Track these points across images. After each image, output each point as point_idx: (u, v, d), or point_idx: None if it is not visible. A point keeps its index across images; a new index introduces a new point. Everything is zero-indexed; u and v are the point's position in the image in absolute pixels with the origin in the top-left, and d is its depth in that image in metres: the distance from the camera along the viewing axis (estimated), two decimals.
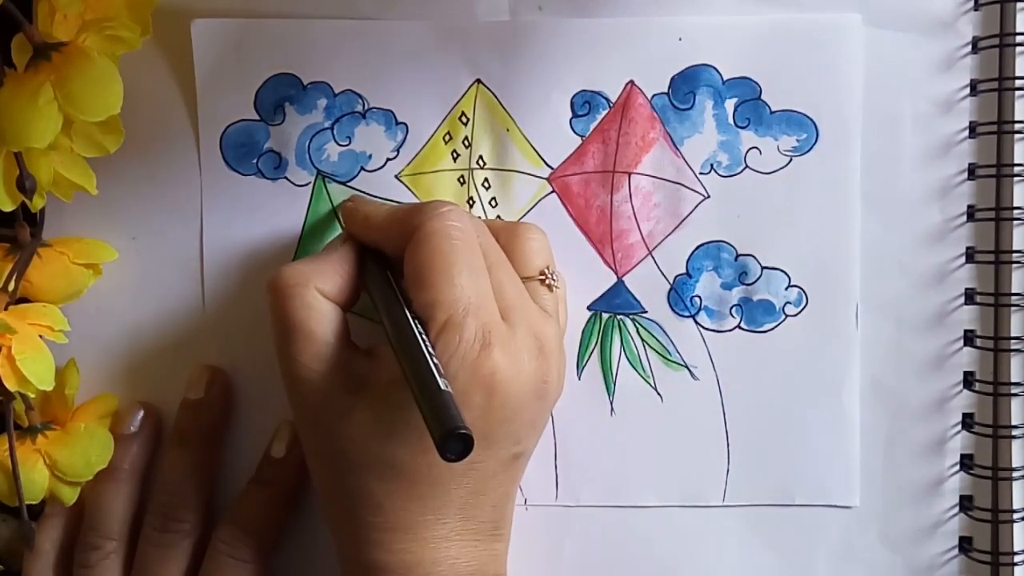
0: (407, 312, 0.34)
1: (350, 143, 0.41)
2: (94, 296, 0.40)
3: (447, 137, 0.41)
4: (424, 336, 0.33)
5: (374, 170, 0.41)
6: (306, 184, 0.41)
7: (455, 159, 0.41)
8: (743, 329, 0.41)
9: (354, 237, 0.38)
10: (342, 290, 0.36)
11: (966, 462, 0.41)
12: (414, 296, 0.34)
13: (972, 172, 0.41)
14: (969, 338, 0.41)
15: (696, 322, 0.41)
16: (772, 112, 0.41)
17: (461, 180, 0.41)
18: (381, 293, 0.35)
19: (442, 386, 0.30)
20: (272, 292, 0.36)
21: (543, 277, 0.38)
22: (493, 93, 0.41)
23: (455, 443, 0.28)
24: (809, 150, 0.41)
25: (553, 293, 0.38)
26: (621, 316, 0.41)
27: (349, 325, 0.36)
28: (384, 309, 0.34)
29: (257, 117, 0.41)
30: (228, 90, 0.40)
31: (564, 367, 0.37)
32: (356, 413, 0.34)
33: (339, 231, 0.41)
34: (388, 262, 0.37)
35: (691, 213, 0.41)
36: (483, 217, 0.41)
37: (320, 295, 0.35)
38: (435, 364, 0.31)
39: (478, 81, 0.41)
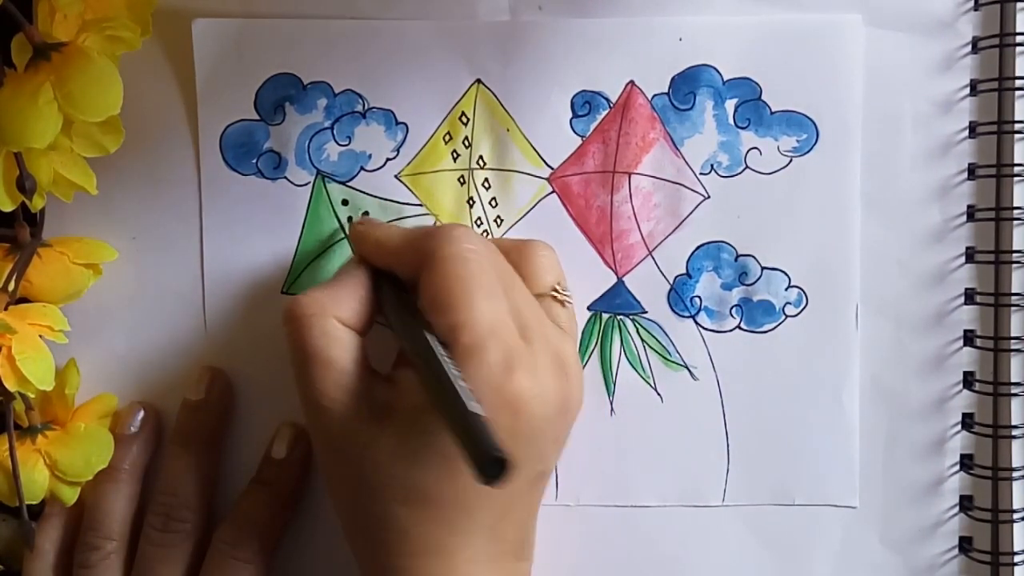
0: (430, 337, 0.33)
1: (350, 143, 0.41)
2: (94, 296, 0.40)
3: (447, 137, 0.41)
4: (450, 361, 0.32)
5: (374, 170, 0.41)
6: (306, 184, 0.41)
7: (455, 159, 0.41)
8: (743, 329, 0.41)
9: (366, 261, 0.37)
10: (359, 316, 0.36)
11: (966, 462, 0.41)
12: (433, 320, 0.34)
13: (972, 172, 0.41)
14: (969, 338, 0.41)
15: (696, 322, 0.41)
16: (772, 112, 0.41)
17: (461, 180, 0.41)
18: (401, 318, 0.35)
19: (475, 410, 0.30)
20: (289, 322, 0.35)
21: (555, 294, 0.38)
22: (493, 93, 0.41)
23: (494, 467, 0.28)
24: (809, 150, 0.41)
25: (566, 308, 0.38)
26: (621, 316, 0.41)
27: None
28: (406, 335, 0.34)
29: (257, 117, 0.40)
30: (228, 90, 0.40)
31: (583, 382, 0.37)
32: (381, 440, 0.33)
33: (337, 234, 0.41)
34: (402, 285, 0.36)
35: (691, 213, 0.41)
36: (489, 235, 0.41)
37: (338, 323, 0.35)
38: (464, 388, 0.31)
39: (478, 81, 0.41)
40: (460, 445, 0.29)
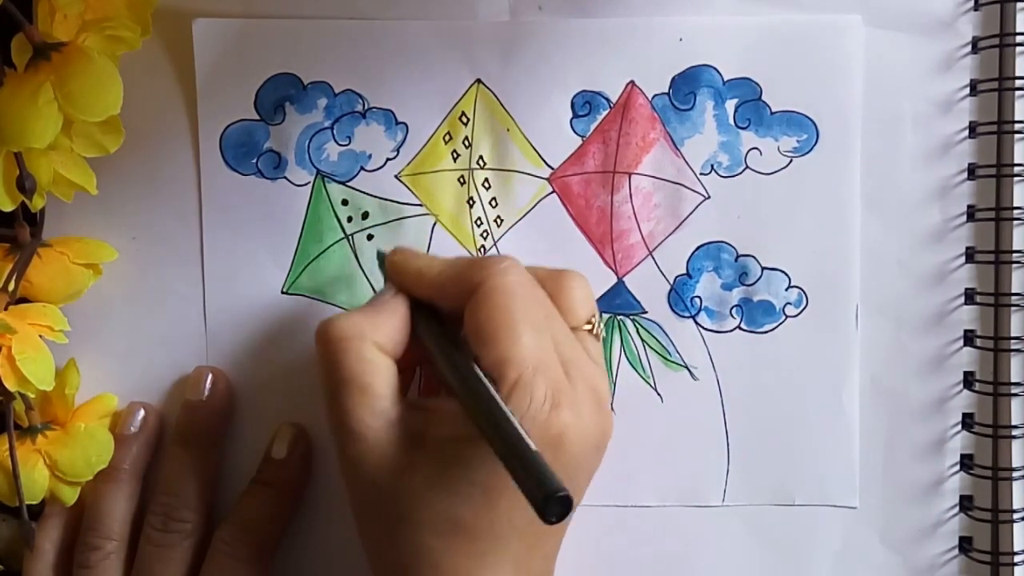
0: (478, 370, 0.33)
1: (350, 143, 0.41)
2: (94, 296, 0.40)
3: (447, 137, 0.41)
4: (500, 395, 0.32)
5: (374, 170, 0.41)
6: (306, 184, 0.41)
7: (455, 159, 0.41)
8: (743, 330, 0.41)
9: (404, 289, 0.37)
10: (396, 344, 0.35)
11: (966, 462, 0.41)
12: (479, 353, 0.33)
13: (972, 172, 0.41)
14: (969, 338, 0.41)
15: (696, 322, 0.41)
16: (772, 113, 0.41)
17: (461, 180, 0.41)
18: (443, 350, 0.34)
19: (533, 447, 0.30)
20: (325, 344, 0.34)
21: (591, 326, 0.37)
22: (493, 93, 0.41)
23: (556, 506, 0.28)
24: (809, 151, 0.41)
25: (599, 342, 0.38)
26: (621, 316, 0.41)
27: None
28: (450, 367, 0.34)
29: (257, 117, 0.40)
30: (228, 90, 0.40)
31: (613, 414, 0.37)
32: (415, 469, 0.33)
33: (337, 234, 0.41)
34: (441, 316, 0.36)
35: (691, 213, 0.41)
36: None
37: (376, 348, 0.35)
38: (519, 425, 0.31)
39: (478, 81, 0.41)
40: (521, 484, 0.29)
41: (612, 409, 0.41)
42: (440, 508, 0.33)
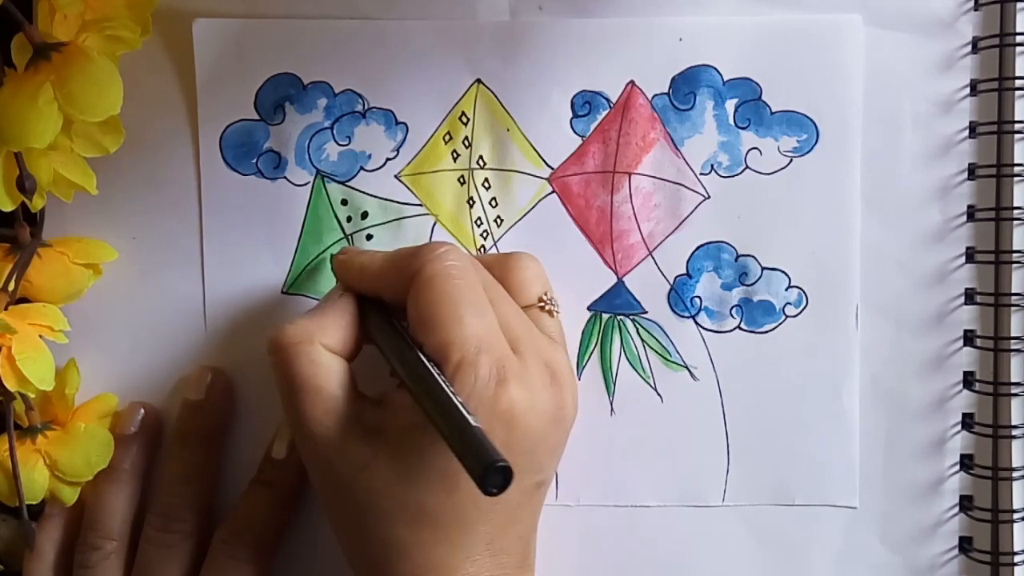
0: (421, 356, 0.33)
1: (350, 143, 0.41)
2: (94, 296, 0.40)
3: (447, 137, 0.41)
4: (443, 377, 0.32)
5: (374, 170, 0.41)
6: (305, 184, 0.41)
7: (455, 159, 0.41)
8: (743, 330, 0.41)
9: (351, 288, 0.38)
10: (346, 342, 0.36)
11: (966, 462, 0.41)
12: (423, 339, 0.34)
13: (972, 172, 0.41)
14: (969, 338, 0.41)
15: (696, 323, 0.41)
16: (772, 113, 0.41)
17: (461, 180, 0.41)
18: (390, 341, 0.35)
19: (472, 422, 0.30)
20: (276, 352, 0.35)
21: (543, 304, 0.38)
22: (493, 93, 0.41)
23: (495, 476, 0.28)
24: (809, 151, 0.41)
25: (554, 318, 0.38)
26: (621, 316, 0.41)
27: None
28: (395, 356, 0.34)
29: (257, 117, 0.40)
30: (228, 90, 0.40)
31: (577, 390, 0.37)
32: (375, 463, 0.34)
33: (337, 234, 0.41)
34: (388, 309, 0.36)
35: (691, 213, 0.41)
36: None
37: (325, 350, 0.35)
38: (460, 403, 0.31)
39: (478, 81, 0.41)
40: (460, 458, 0.29)
41: (613, 410, 0.41)
42: (403, 498, 0.33)
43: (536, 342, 0.36)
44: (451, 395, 0.31)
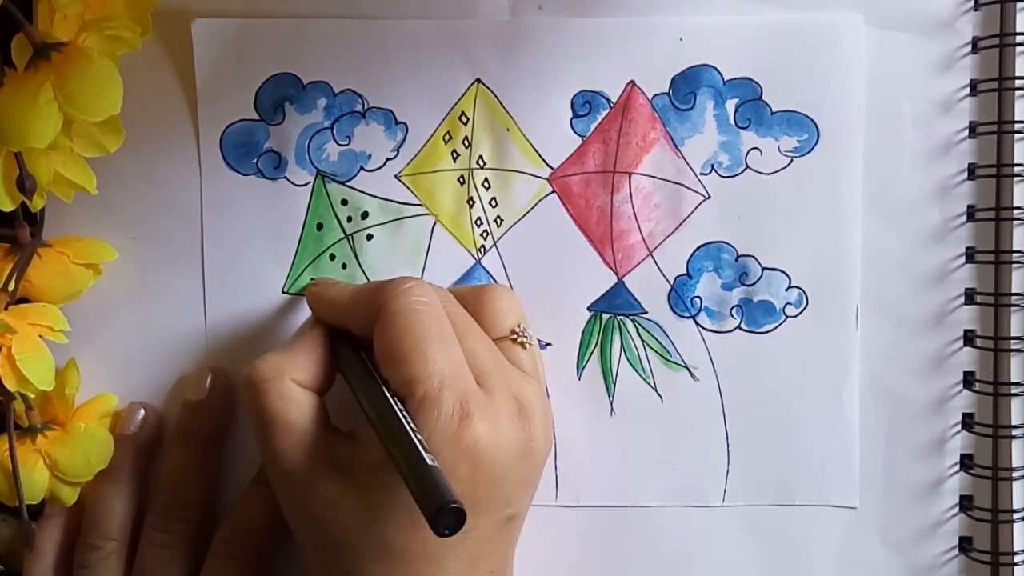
0: (385, 391, 0.33)
1: (350, 143, 0.41)
2: (94, 296, 0.40)
3: (447, 137, 0.41)
4: (405, 413, 0.32)
5: (374, 170, 0.41)
6: (306, 184, 0.41)
7: (455, 159, 0.41)
8: (743, 330, 0.41)
9: (322, 321, 0.38)
10: (316, 377, 0.36)
11: (966, 462, 0.41)
12: (388, 374, 0.34)
13: (972, 172, 0.41)
14: (969, 338, 0.41)
15: (696, 323, 0.41)
16: (773, 112, 0.41)
17: (461, 180, 0.41)
18: (356, 375, 0.35)
19: (429, 461, 0.30)
20: (247, 388, 0.35)
21: (515, 336, 0.38)
22: (493, 93, 0.41)
23: (447, 518, 0.28)
24: (810, 151, 0.41)
25: (528, 350, 0.38)
26: (621, 317, 0.41)
27: (327, 409, 0.36)
28: (361, 391, 0.34)
29: (257, 117, 0.40)
30: (228, 90, 0.40)
31: (551, 423, 0.37)
32: (344, 499, 0.34)
33: (337, 234, 0.41)
34: (359, 342, 0.37)
35: (691, 214, 0.41)
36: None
37: (295, 385, 0.35)
38: (419, 440, 0.31)
39: (478, 81, 0.41)
40: (415, 498, 0.29)
41: (613, 410, 0.41)
42: (370, 534, 0.33)
43: (505, 375, 0.36)
44: (411, 432, 0.31)
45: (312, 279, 0.41)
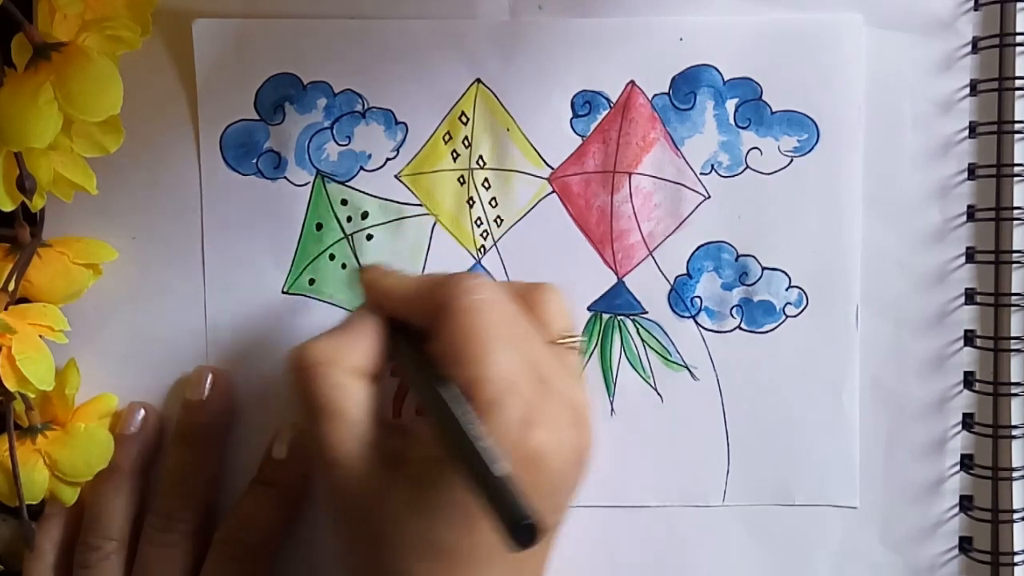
0: (454, 393, 0.32)
1: (350, 143, 0.41)
2: (94, 296, 0.40)
3: (447, 137, 0.41)
4: (473, 417, 0.31)
5: (374, 170, 0.41)
6: (306, 184, 0.41)
7: (455, 159, 0.41)
8: (743, 330, 0.41)
9: (376, 308, 0.36)
10: (369, 366, 0.35)
11: (966, 462, 0.41)
12: (450, 373, 0.33)
13: (972, 172, 0.41)
14: (969, 338, 0.41)
15: (696, 323, 0.41)
16: (773, 112, 0.41)
17: (461, 180, 0.41)
18: (417, 371, 0.34)
19: (502, 473, 0.29)
20: (298, 371, 0.34)
21: (567, 339, 0.36)
22: (493, 93, 0.41)
23: (525, 533, 0.27)
24: (810, 150, 0.41)
25: (576, 354, 0.37)
26: (621, 316, 0.41)
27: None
28: (423, 388, 0.33)
29: (257, 117, 0.40)
30: (228, 90, 0.40)
31: (594, 429, 0.36)
32: (395, 492, 0.33)
33: (337, 234, 0.41)
34: (416, 333, 0.35)
35: (692, 213, 0.41)
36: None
37: (350, 373, 0.34)
38: (488, 447, 0.30)
39: (478, 81, 0.41)
40: (487, 509, 0.28)
41: (613, 410, 0.41)
42: (420, 531, 0.32)
43: (561, 381, 0.34)
44: (480, 440, 0.30)
45: (361, 266, 0.40)
